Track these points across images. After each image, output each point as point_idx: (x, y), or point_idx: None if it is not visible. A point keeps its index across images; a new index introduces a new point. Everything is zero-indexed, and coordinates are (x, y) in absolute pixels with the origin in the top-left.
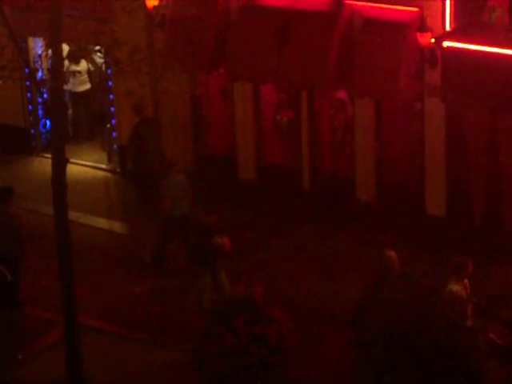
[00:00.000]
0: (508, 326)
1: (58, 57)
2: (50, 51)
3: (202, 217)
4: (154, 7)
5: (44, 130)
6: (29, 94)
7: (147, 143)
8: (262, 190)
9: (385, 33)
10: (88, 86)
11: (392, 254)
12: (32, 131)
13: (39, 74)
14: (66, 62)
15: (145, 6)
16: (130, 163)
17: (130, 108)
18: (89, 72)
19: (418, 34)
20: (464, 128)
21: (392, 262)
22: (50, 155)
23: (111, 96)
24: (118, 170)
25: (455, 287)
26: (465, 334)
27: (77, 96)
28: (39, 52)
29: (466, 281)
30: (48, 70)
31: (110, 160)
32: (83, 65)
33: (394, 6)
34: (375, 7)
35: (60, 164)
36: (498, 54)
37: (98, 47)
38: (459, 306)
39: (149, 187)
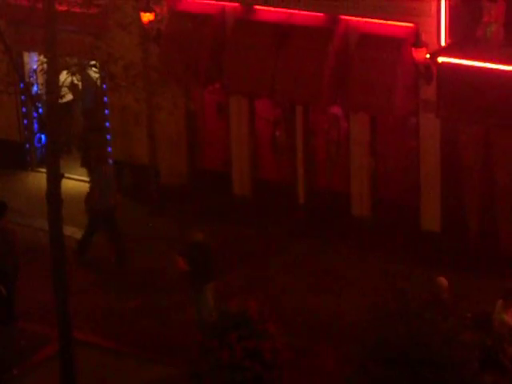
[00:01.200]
0: None
1: (53, 71)
2: (45, 66)
3: (193, 236)
4: (150, 22)
5: (39, 145)
6: (24, 109)
7: (93, 148)
8: (257, 205)
9: (380, 48)
10: (69, 97)
11: (443, 280)
12: (27, 146)
13: (34, 88)
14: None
15: (140, 21)
16: (126, 178)
17: (125, 122)
18: (73, 84)
19: (413, 49)
20: (459, 143)
21: (443, 288)
22: (45, 170)
23: (106, 111)
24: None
25: (505, 317)
26: (460, 348)
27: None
28: (34, 66)
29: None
30: (43, 84)
31: None
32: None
33: (390, 22)
34: (370, 23)
35: (55, 179)
36: (493, 69)
37: (93, 62)
38: (508, 335)
39: None
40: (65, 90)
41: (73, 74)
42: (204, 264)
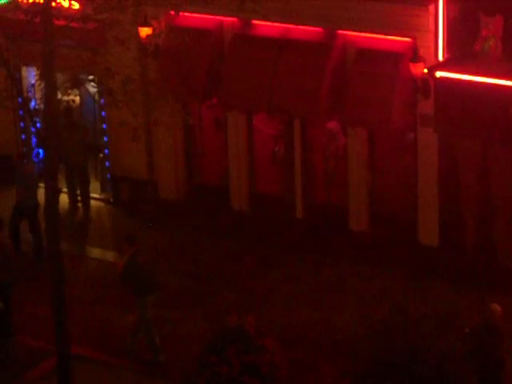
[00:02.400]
0: None
1: (51, 86)
2: (43, 81)
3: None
4: (148, 37)
5: (37, 160)
6: (22, 124)
7: (67, 143)
8: (255, 220)
9: (378, 63)
10: None
11: (497, 307)
12: (25, 161)
13: (32, 103)
14: None
15: (138, 35)
16: (124, 193)
17: (123, 137)
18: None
19: (410, 64)
20: (456, 158)
21: (497, 315)
22: (42, 184)
23: (104, 125)
24: (111, 199)
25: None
26: (457, 363)
27: None
28: (32, 81)
29: None
30: (41, 99)
31: (103, 190)
32: None
33: (387, 37)
34: (368, 37)
35: (53, 193)
36: (491, 84)
37: (91, 77)
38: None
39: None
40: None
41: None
42: (145, 276)
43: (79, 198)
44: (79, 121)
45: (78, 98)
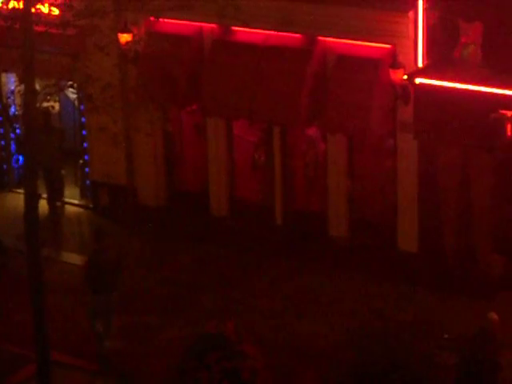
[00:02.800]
0: None
1: (30, 92)
2: (22, 87)
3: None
4: (127, 43)
5: (16, 166)
6: (1, 130)
7: (45, 147)
8: (235, 226)
9: (357, 69)
10: None
11: (494, 316)
12: (4, 166)
13: (12, 109)
14: None
15: (118, 42)
16: (103, 199)
17: (103, 143)
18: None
19: (390, 70)
20: (436, 164)
21: (494, 324)
22: (22, 190)
23: (84, 132)
24: (91, 205)
25: None
26: (437, 369)
27: None
28: (12, 87)
29: None
30: (20, 105)
31: (82, 195)
32: None
33: (367, 43)
34: (348, 44)
35: (32, 199)
36: (471, 90)
37: (70, 83)
38: None
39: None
40: None
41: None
42: (101, 275)
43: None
44: (57, 125)
45: (57, 104)
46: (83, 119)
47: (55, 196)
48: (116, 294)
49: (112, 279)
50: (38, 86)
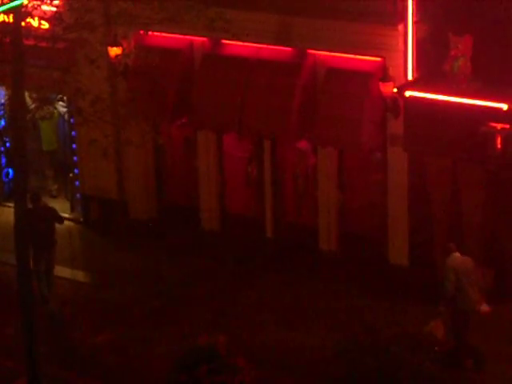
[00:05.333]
0: None
1: (20, 106)
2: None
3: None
4: (117, 57)
5: (6, 179)
6: None
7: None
8: (225, 239)
9: (347, 82)
10: None
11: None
12: None
13: (2, 122)
14: None
15: (107, 55)
16: (94, 212)
17: (93, 156)
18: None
19: (380, 83)
20: (426, 177)
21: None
22: (12, 204)
23: (74, 145)
24: (81, 219)
25: None
26: (427, 381)
27: None
28: (2, 101)
29: None
30: (10, 119)
31: (72, 209)
32: None
33: (357, 56)
34: (338, 57)
35: (22, 213)
36: (461, 103)
37: (60, 96)
38: None
39: None
40: None
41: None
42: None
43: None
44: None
45: None
46: (73, 133)
47: (46, 276)
48: (54, 249)
49: (48, 236)
50: (28, 99)
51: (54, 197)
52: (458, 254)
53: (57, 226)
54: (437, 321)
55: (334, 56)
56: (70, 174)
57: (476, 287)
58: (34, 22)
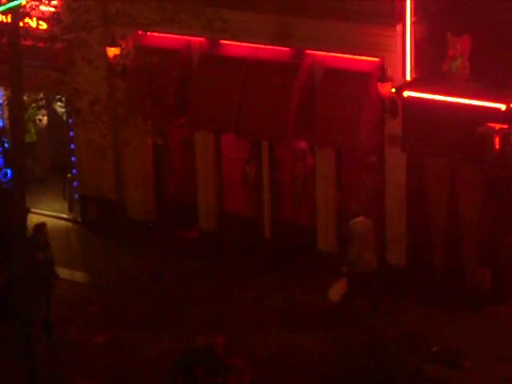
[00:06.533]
0: None
1: (18, 106)
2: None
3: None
4: (115, 57)
5: (5, 180)
6: None
7: None
8: (223, 239)
9: (346, 83)
10: None
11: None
12: None
13: (0, 123)
14: None
15: (106, 55)
16: (92, 213)
17: (91, 157)
18: None
19: (378, 83)
20: (424, 177)
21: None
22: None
23: (72, 145)
24: (79, 219)
25: None
26: (424, 383)
27: None
28: (0, 101)
29: None
30: (8, 119)
31: (71, 209)
32: None
33: (355, 56)
34: (336, 57)
35: (21, 213)
36: (459, 103)
37: (59, 97)
38: None
39: None
40: None
41: (38, 109)
42: None
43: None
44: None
45: (45, 118)
46: (71, 133)
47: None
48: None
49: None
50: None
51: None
52: (362, 218)
53: (56, 226)
54: (341, 281)
55: (332, 56)
56: (69, 175)
57: (374, 250)
58: (32, 23)
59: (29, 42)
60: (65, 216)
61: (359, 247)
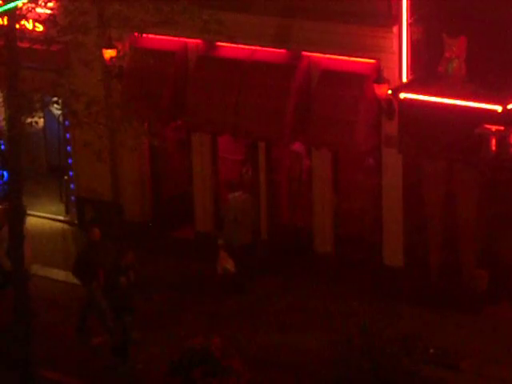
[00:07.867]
0: None
1: (15, 108)
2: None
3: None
4: (112, 59)
5: (1, 182)
6: None
7: None
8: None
9: (342, 84)
10: None
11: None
12: None
13: None
14: None
15: (102, 57)
16: (89, 215)
17: (88, 158)
18: None
19: (375, 85)
20: (421, 179)
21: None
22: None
23: (69, 147)
24: (76, 221)
25: None
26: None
27: None
28: None
29: None
30: (5, 120)
31: (67, 211)
32: None
33: (352, 58)
34: (333, 59)
35: (18, 215)
36: (455, 105)
37: (55, 98)
38: None
39: None
40: None
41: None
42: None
43: None
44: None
45: (41, 120)
46: (68, 135)
47: None
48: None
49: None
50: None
51: None
52: (240, 193)
53: (53, 228)
54: (222, 253)
55: (328, 58)
56: (65, 177)
57: (250, 226)
58: (29, 25)
59: (25, 44)
60: (61, 218)
61: (234, 222)
